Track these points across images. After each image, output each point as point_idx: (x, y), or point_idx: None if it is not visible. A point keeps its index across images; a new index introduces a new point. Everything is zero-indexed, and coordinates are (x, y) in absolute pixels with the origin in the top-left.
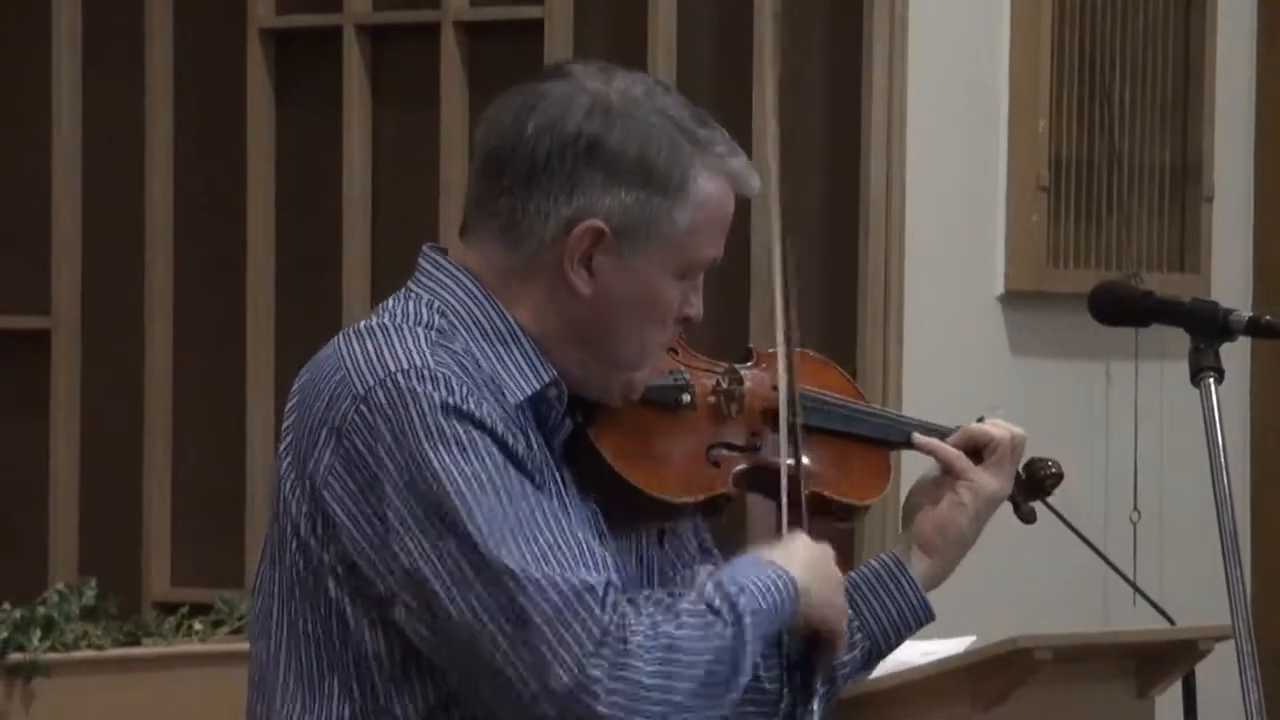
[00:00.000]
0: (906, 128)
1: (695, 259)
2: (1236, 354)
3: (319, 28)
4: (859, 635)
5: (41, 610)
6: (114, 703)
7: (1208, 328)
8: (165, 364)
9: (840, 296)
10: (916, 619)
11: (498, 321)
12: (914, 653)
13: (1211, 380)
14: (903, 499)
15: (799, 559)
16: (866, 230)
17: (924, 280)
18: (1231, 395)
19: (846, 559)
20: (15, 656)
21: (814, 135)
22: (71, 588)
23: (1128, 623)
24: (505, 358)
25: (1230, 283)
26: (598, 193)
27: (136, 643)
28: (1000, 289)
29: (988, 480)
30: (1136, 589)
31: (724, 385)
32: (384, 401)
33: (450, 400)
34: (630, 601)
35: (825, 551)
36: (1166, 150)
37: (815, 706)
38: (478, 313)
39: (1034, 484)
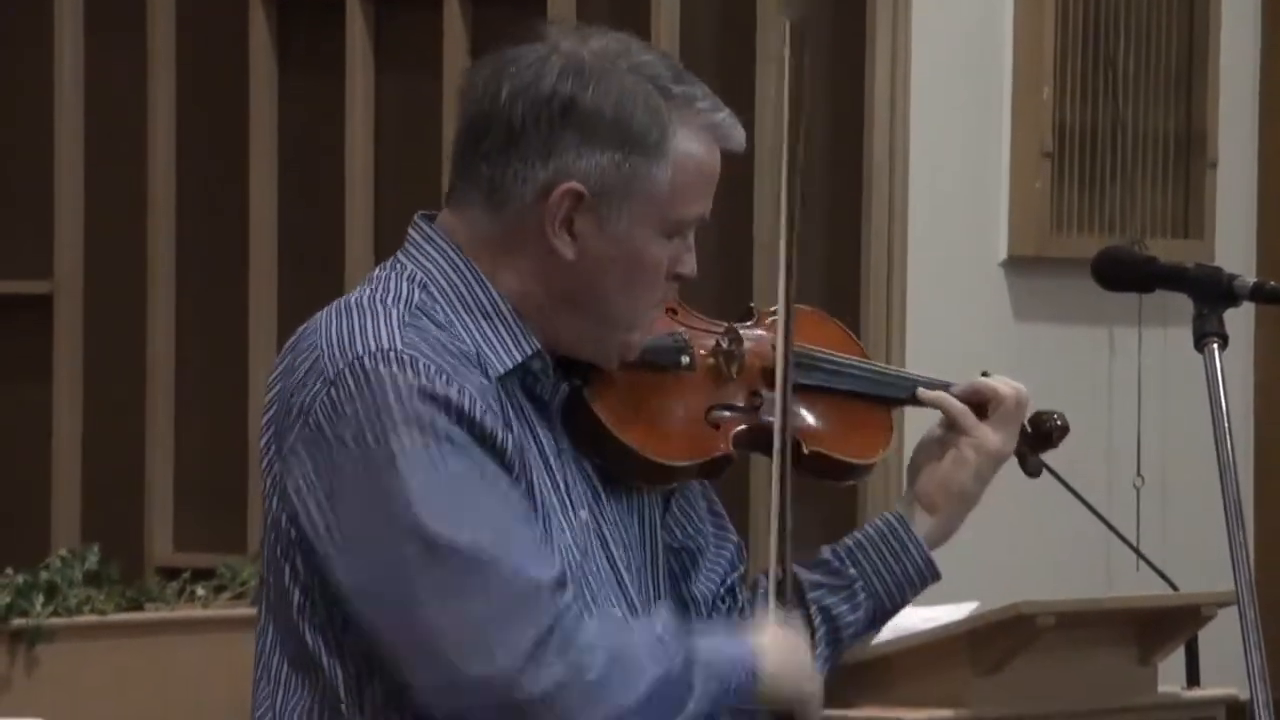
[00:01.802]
0: (911, 94)
1: (680, 217)
2: (1240, 320)
3: None
4: (862, 595)
5: (44, 575)
6: (117, 667)
7: (1211, 293)
8: (168, 328)
9: (844, 262)
10: (921, 577)
11: (480, 295)
12: (916, 619)
13: (1215, 346)
14: (905, 457)
15: (763, 645)
16: (870, 196)
17: (927, 246)
18: (1235, 361)
19: (849, 521)
20: (18, 621)
21: (818, 102)
22: (74, 553)
23: (1130, 589)
24: (488, 331)
25: (1234, 248)
26: (574, 155)
27: (139, 608)
28: (1003, 254)
29: (992, 437)
30: (1140, 555)
31: (724, 345)
32: (350, 385)
33: (416, 382)
34: (583, 604)
35: (794, 640)
36: (1171, 117)
37: None
38: (460, 286)
39: (1040, 437)
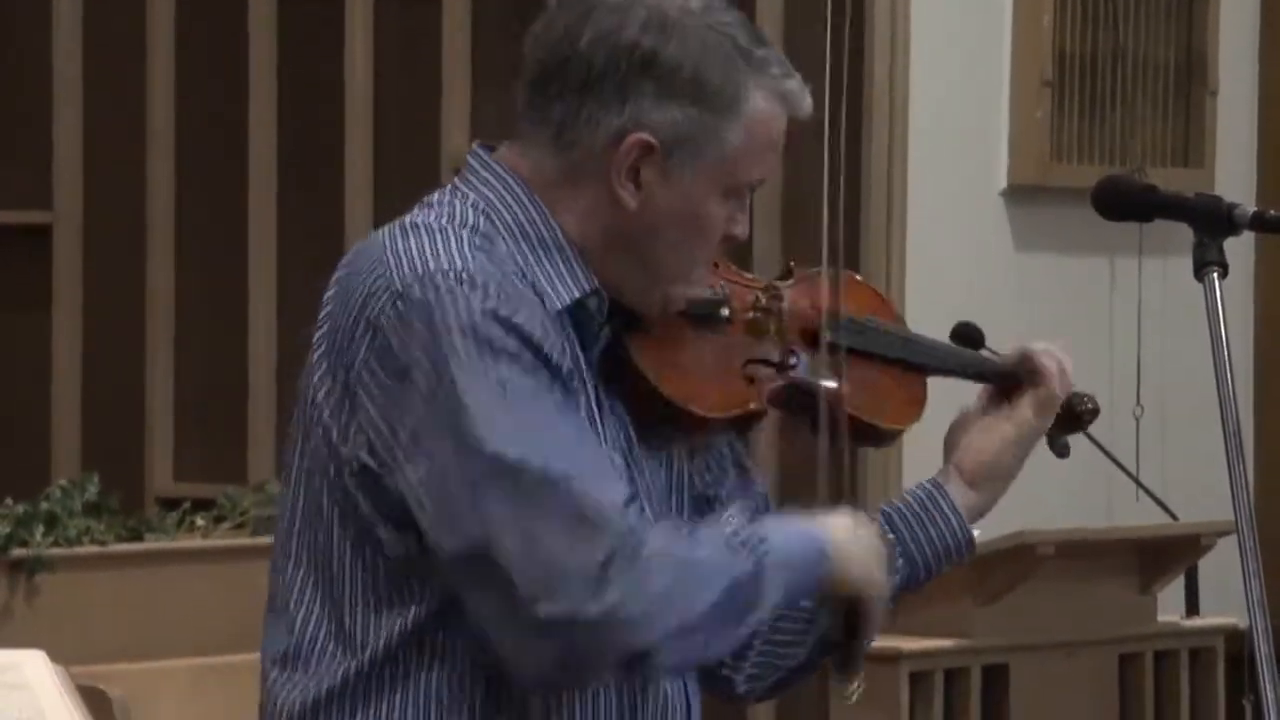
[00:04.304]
0: (911, 23)
1: (743, 178)
2: (1241, 249)
3: None
4: (900, 562)
5: (44, 505)
6: (116, 597)
7: (1212, 222)
8: (167, 257)
9: (843, 190)
10: (958, 549)
11: (541, 227)
12: None
13: (1215, 275)
14: (929, 427)
15: (836, 526)
16: (870, 125)
17: (927, 175)
18: (1235, 290)
19: (849, 486)
20: (18, 551)
21: (817, 30)
22: (74, 483)
23: (1131, 518)
24: (547, 264)
25: (1235, 177)
26: (649, 105)
27: (139, 538)
28: (1004, 184)
29: (1032, 413)
30: (1140, 484)
31: (763, 302)
32: (420, 299)
33: (488, 305)
34: (647, 521)
35: (868, 525)
36: (1171, 45)
37: (857, 684)
38: (522, 217)
39: (1071, 418)
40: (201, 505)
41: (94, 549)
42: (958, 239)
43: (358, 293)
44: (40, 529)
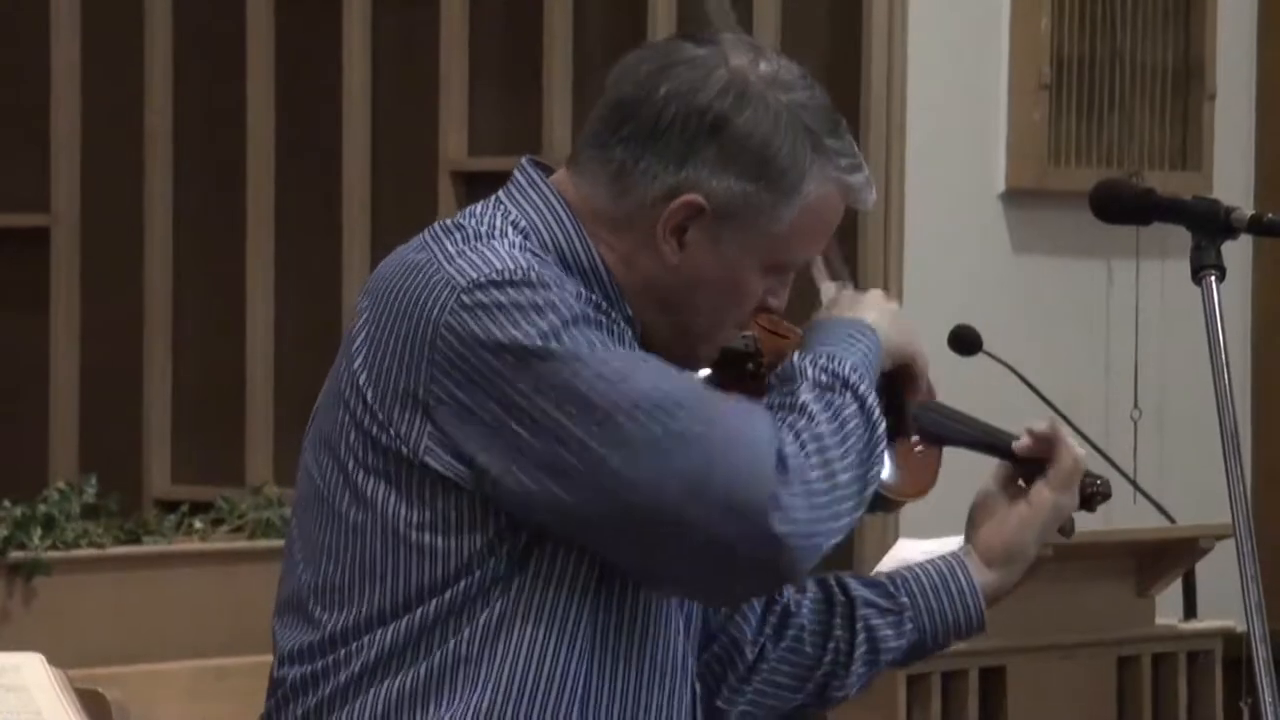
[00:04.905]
0: (909, 26)
1: (788, 258)
2: (1238, 252)
3: None
4: (909, 626)
5: (42, 508)
6: (114, 600)
7: (1209, 225)
8: (165, 261)
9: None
10: (969, 626)
11: (581, 254)
12: (914, 551)
13: (1213, 278)
14: (938, 495)
15: (868, 308)
16: (868, 129)
17: (925, 178)
18: (1233, 293)
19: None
20: (16, 554)
21: (816, 32)
22: (72, 485)
23: (1128, 521)
24: (583, 292)
25: (1232, 180)
26: (708, 170)
27: (137, 541)
28: (1001, 187)
29: (1055, 497)
30: (1137, 487)
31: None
32: (495, 295)
33: (557, 294)
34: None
35: (892, 303)
36: (1169, 48)
37: (916, 440)
38: (563, 242)
39: (1081, 499)
40: (199, 508)
41: (92, 552)
42: (956, 242)
43: (406, 292)
44: (38, 532)
